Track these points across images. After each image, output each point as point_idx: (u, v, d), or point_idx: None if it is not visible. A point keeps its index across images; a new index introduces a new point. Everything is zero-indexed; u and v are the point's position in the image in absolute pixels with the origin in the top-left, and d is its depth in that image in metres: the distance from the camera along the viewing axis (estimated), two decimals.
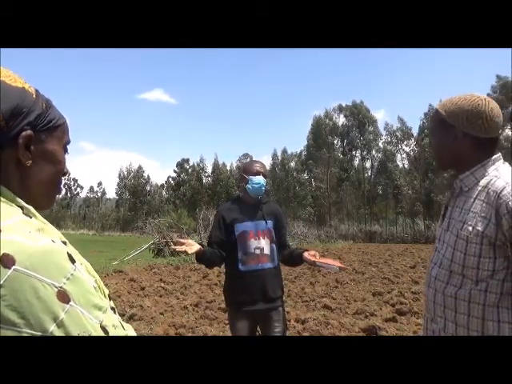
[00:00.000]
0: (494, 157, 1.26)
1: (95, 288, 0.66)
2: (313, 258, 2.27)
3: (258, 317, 2.35)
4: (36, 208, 0.68)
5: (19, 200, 0.65)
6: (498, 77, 29.77)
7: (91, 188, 61.04)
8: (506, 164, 1.28)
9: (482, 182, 1.23)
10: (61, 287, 0.56)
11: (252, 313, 2.31)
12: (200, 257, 2.30)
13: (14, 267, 0.52)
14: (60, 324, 0.55)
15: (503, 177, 1.19)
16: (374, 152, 41.82)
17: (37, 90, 0.71)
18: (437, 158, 1.40)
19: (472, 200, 1.23)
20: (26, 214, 0.64)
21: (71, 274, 0.58)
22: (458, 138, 1.27)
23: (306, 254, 2.33)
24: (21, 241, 0.55)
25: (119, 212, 54.70)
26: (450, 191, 1.37)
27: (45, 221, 0.68)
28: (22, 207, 0.64)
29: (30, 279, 0.53)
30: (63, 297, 0.56)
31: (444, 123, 1.30)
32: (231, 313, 2.40)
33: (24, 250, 0.55)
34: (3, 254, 0.53)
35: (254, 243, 2.35)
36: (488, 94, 30.03)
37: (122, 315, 5.53)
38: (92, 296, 0.62)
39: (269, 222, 2.44)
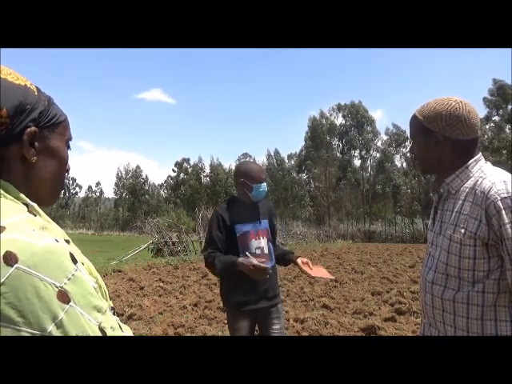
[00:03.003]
0: (476, 157, 1.27)
1: (95, 289, 0.65)
2: (306, 268, 2.36)
3: (258, 315, 2.35)
4: (40, 204, 0.69)
5: (24, 197, 0.65)
6: (494, 80, 29.97)
7: (89, 187, 61.04)
8: (489, 163, 1.29)
9: (468, 184, 1.24)
10: (61, 287, 0.56)
11: (253, 312, 2.31)
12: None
13: (16, 265, 0.52)
14: (59, 324, 0.55)
15: (489, 177, 1.19)
16: (372, 152, 41.92)
17: (38, 88, 0.72)
18: (420, 162, 1.40)
19: (461, 202, 1.23)
20: (30, 212, 0.64)
21: (72, 275, 0.58)
22: (439, 143, 1.28)
23: (299, 262, 2.41)
24: (24, 239, 0.55)
25: (118, 211, 54.65)
26: (436, 194, 1.37)
27: (49, 219, 0.68)
28: (27, 204, 0.65)
29: (32, 278, 0.53)
30: (63, 297, 0.56)
31: (424, 129, 1.30)
32: (231, 313, 2.38)
33: (27, 248, 0.54)
34: (6, 251, 0.53)
35: (254, 243, 2.36)
36: (484, 98, 30.27)
37: (120, 315, 5.53)
38: (92, 297, 0.62)
39: (265, 221, 2.46)
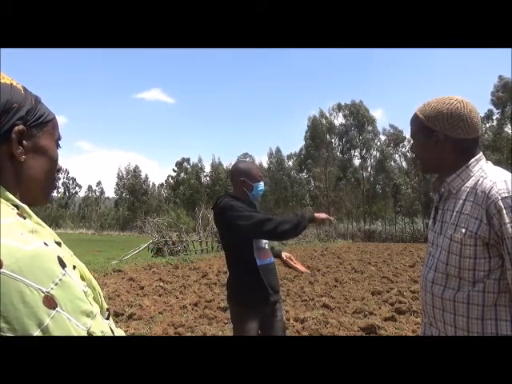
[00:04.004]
0: (476, 157, 1.27)
1: (86, 293, 0.64)
2: (292, 263, 2.62)
3: (266, 312, 2.33)
4: (32, 204, 0.68)
5: (15, 199, 0.64)
6: (500, 77, 30.08)
7: (89, 187, 61.03)
8: (489, 163, 1.28)
9: (469, 183, 1.23)
10: (48, 292, 0.55)
11: (263, 309, 2.30)
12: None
13: (1, 270, 0.52)
14: (45, 330, 0.53)
15: (489, 176, 1.19)
16: (372, 151, 41.92)
17: (24, 87, 0.71)
18: (420, 162, 1.40)
19: (462, 202, 1.23)
20: (20, 214, 0.63)
21: (60, 279, 0.57)
22: (440, 142, 1.27)
23: (284, 257, 2.63)
24: (10, 244, 0.54)
25: (118, 211, 54.63)
26: (437, 194, 1.37)
27: (40, 221, 0.66)
28: (17, 206, 0.64)
29: (17, 283, 0.52)
30: (50, 302, 0.55)
31: (425, 127, 1.30)
32: (240, 311, 2.31)
33: (13, 253, 0.54)
34: None
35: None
36: (492, 93, 30.22)
37: (120, 314, 5.53)
38: (80, 302, 0.60)
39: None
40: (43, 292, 0.54)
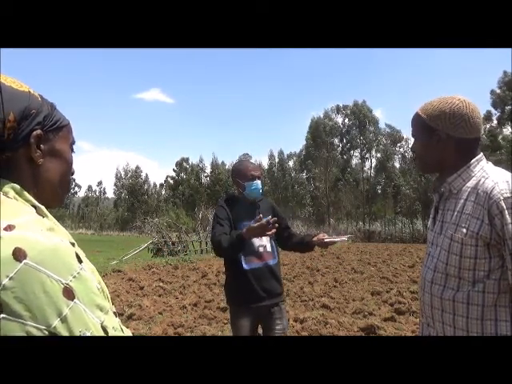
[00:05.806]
0: (477, 157, 1.27)
1: (99, 289, 0.67)
2: (325, 240, 2.33)
3: (261, 314, 2.33)
4: (47, 206, 0.72)
5: (33, 199, 0.68)
6: (504, 73, 30.02)
7: (89, 187, 61.04)
8: (490, 163, 1.28)
9: (470, 183, 1.23)
10: (67, 284, 0.58)
11: (255, 310, 2.29)
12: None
13: (24, 261, 0.55)
14: (63, 319, 0.56)
15: (491, 176, 1.19)
16: (373, 152, 41.96)
17: (40, 94, 0.75)
18: (421, 161, 1.39)
19: (462, 202, 1.23)
20: (38, 214, 0.66)
21: (77, 273, 0.61)
22: (441, 141, 1.27)
23: (315, 240, 2.35)
24: (33, 237, 0.58)
25: (118, 211, 54.60)
26: (437, 194, 1.36)
27: (56, 221, 0.70)
28: (35, 206, 0.67)
29: (39, 274, 0.55)
30: (68, 293, 0.58)
31: (426, 126, 1.30)
32: (234, 311, 2.36)
33: (35, 245, 0.57)
34: (16, 247, 0.55)
35: (257, 242, 2.34)
36: (492, 91, 29.90)
37: (120, 315, 5.52)
38: (95, 296, 0.64)
39: (267, 219, 2.43)
40: (63, 283, 0.58)
